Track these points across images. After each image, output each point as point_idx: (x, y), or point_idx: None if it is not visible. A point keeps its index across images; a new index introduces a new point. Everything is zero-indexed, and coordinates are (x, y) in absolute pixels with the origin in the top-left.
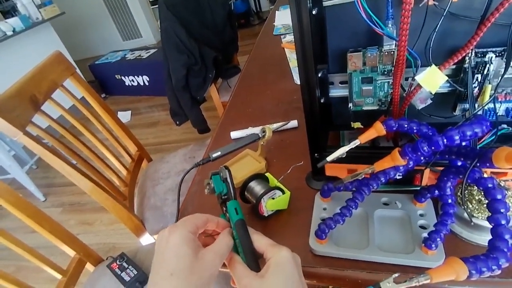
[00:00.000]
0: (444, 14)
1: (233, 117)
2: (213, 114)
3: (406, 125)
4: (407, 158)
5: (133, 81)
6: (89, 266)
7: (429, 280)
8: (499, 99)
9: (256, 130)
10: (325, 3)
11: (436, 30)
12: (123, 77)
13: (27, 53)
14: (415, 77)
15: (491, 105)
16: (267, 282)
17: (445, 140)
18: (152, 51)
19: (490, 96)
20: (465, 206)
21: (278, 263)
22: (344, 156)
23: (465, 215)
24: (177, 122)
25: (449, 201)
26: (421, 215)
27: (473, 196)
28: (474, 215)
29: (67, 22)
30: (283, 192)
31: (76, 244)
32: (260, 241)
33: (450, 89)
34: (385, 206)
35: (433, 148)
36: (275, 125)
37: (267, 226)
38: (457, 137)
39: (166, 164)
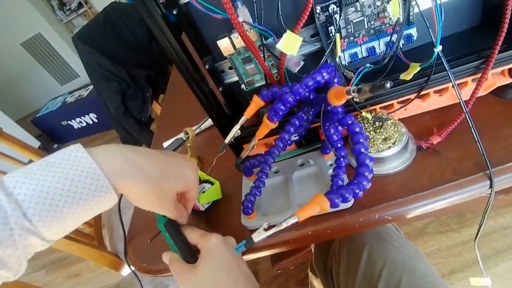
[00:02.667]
0: None
1: (166, 127)
2: None
3: (278, 91)
4: (274, 120)
5: (81, 122)
6: None
7: (296, 219)
8: (359, 43)
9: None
10: (181, 1)
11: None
12: (69, 122)
13: None
14: (276, 46)
15: (354, 50)
16: (199, 271)
17: (292, 96)
18: (91, 87)
19: (335, 42)
20: None
21: (208, 251)
22: (239, 134)
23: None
24: None
25: (339, 145)
26: (330, 165)
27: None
28: (374, 151)
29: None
30: (212, 183)
31: None
32: (191, 234)
33: (316, 47)
34: (301, 167)
35: (287, 105)
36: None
37: (209, 219)
38: (301, 90)
39: None
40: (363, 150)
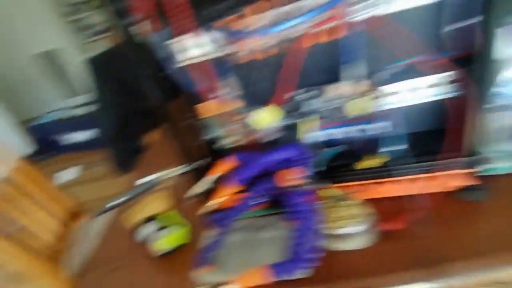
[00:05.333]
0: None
1: (152, 161)
2: None
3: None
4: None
5: (76, 138)
6: None
7: (238, 286)
8: (332, 126)
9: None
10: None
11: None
12: (65, 136)
13: None
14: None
15: (330, 131)
16: None
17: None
18: (93, 105)
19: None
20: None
21: None
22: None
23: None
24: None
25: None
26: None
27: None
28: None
29: (7, 84)
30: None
31: None
32: None
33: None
34: (267, 228)
35: (249, 174)
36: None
37: (172, 262)
38: (262, 162)
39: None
40: (305, 231)
